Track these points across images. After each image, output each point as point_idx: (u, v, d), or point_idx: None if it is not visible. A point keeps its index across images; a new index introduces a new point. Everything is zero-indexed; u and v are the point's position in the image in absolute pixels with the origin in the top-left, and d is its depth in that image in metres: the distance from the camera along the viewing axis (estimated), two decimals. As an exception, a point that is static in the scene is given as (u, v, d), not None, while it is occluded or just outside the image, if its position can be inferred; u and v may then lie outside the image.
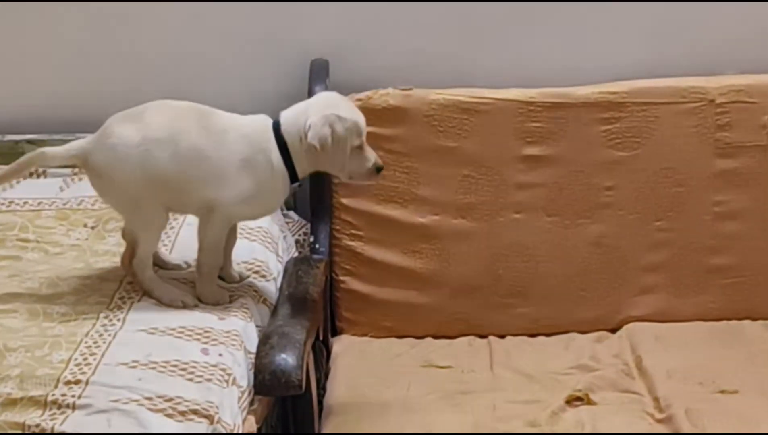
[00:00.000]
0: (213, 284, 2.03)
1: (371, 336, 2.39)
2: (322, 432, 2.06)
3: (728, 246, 2.39)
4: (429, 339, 2.38)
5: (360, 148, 1.98)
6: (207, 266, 2.02)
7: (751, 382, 2.15)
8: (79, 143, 2.00)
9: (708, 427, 2.00)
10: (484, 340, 2.37)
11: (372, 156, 1.99)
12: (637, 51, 2.49)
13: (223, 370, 1.84)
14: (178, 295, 2.00)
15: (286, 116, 1.99)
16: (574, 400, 2.12)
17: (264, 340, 1.95)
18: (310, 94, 2.35)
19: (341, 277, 2.41)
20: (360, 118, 1.97)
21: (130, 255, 2.03)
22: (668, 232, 2.40)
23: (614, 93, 2.37)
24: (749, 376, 2.17)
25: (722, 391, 2.12)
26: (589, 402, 2.11)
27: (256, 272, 2.16)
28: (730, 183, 2.39)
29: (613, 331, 2.39)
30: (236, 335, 1.94)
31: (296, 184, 2.00)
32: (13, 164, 2.02)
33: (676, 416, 2.04)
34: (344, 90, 2.36)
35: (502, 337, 2.38)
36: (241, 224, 2.20)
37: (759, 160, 2.38)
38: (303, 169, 2.00)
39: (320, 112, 1.94)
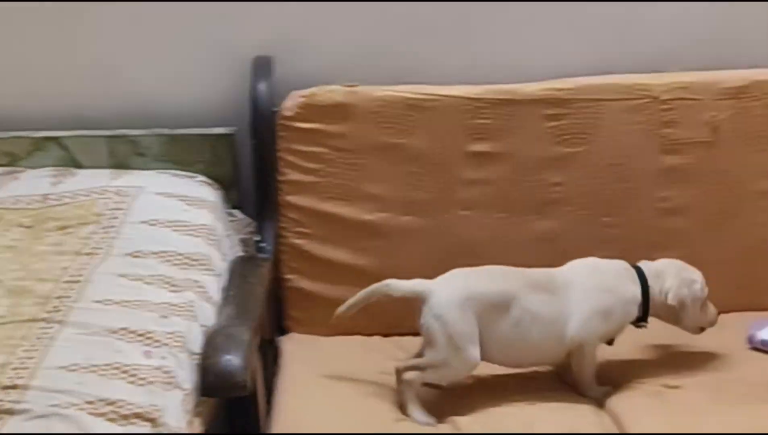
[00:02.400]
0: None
1: (319, 334, 2.37)
2: (270, 433, 2.04)
3: (674, 241, 2.39)
4: (378, 338, 2.37)
5: (704, 303, 2.19)
6: (594, 391, 2.15)
7: (693, 377, 2.16)
8: (425, 285, 2.09)
9: (650, 422, 2.00)
10: (434, 338, 2.37)
11: (712, 311, 2.21)
12: (582, 48, 2.49)
13: (167, 372, 1.81)
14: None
15: (647, 267, 2.18)
16: (525, 396, 2.12)
17: (209, 340, 1.94)
18: (253, 91, 2.35)
19: (288, 276, 2.39)
20: (702, 280, 2.19)
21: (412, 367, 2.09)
22: (615, 228, 2.40)
23: (560, 90, 2.38)
24: (691, 371, 2.19)
25: (665, 386, 2.13)
26: (540, 398, 2.11)
27: (202, 265, 2.14)
28: (676, 179, 2.40)
29: (562, 326, 2.41)
30: (180, 336, 1.91)
31: (643, 323, 2.17)
32: (360, 294, 2.11)
33: (619, 411, 2.04)
34: (288, 87, 2.37)
35: (451, 334, 2.38)
36: (184, 220, 2.20)
37: (703, 157, 2.40)
38: (655, 313, 2.17)
39: (677, 276, 2.16)
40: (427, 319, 2.06)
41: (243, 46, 2.43)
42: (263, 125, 2.36)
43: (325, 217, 2.37)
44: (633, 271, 2.17)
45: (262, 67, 2.40)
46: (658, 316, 2.17)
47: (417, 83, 2.39)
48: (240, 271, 2.25)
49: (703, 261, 2.24)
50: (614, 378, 2.14)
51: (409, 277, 2.34)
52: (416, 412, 2.06)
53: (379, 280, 2.36)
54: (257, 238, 2.38)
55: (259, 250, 2.37)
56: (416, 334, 2.35)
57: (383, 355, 2.29)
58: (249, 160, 2.40)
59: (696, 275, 2.18)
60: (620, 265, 2.18)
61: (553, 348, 2.12)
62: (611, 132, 2.38)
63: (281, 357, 2.29)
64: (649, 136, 2.39)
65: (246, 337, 1.95)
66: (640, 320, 2.16)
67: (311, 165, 2.36)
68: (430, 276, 2.36)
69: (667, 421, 1.99)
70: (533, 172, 2.39)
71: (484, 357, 2.07)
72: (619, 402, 2.06)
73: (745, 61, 2.48)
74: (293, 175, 2.36)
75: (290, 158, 2.36)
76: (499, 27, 2.48)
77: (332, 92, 2.35)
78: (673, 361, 2.20)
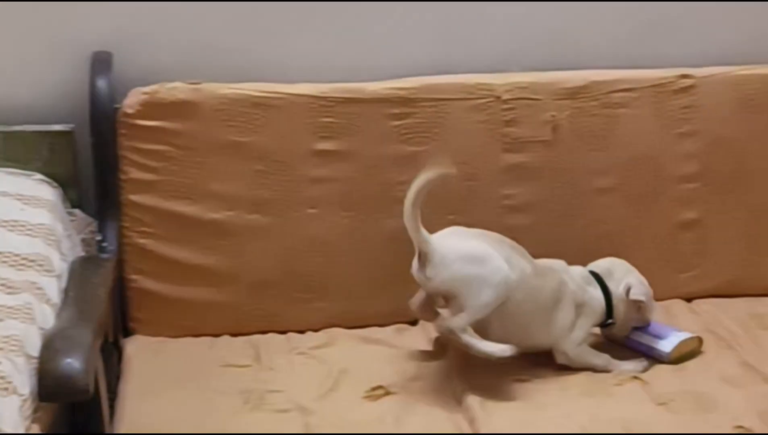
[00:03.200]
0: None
1: (166, 336, 2.34)
2: (113, 435, 2.00)
3: (517, 238, 2.38)
4: (227, 337, 2.35)
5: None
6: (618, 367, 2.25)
7: (542, 371, 2.22)
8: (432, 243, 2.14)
9: (501, 413, 2.05)
10: (283, 336, 2.36)
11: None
12: (426, 48, 2.52)
13: (2, 377, 1.75)
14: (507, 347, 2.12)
15: (598, 267, 2.32)
16: (374, 392, 2.13)
17: (47, 343, 1.88)
18: (92, 87, 2.29)
19: (132, 276, 2.35)
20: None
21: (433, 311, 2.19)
22: (461, 226, 2.44)
23: (405, 89, 2.40)
24: (541, 364, 2.24)
25: (517, 380, 2.18)
26: (388, 393, 2.13)
27: (40, 266, 2.07)
28: (518, 177, 2.45)
29: (412, 323, 2.43)
30: (16, 340, 1.84)
31: (610, 321, 2.29)
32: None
33: (472, 405, 2.08)
34: (129, 83, 2.33)
35: (302, 332, 2.38)
36: (20, 220, 2.14)
37: (544, 155, 2.46)
38: (617, 314, 2.29)
39: (629, 274, 2.30)
40: (442, 277, 2.12)
41: (81, 40, 2.37)
42: (104, 122, 2.30)
43: (169, 216, 2.34)
44: (589, 276, 2.29)
45: (101, 62, 2.34)
46: (623, 314, 2.28)
47: (262, 81, 2.38)
48: (81, 271, 2.19)
49: (547, 258, 2.30)
50: (469, 373, 2.18)
51: (257, 276, 2.38)
52: (490, 345, 2.11)
53: (227, 280, 2.37)
54: (99, 237, 2.33)
55: (101, 250, 2.32)
56: (266, 331, 2.36)
57: (231, 352, 2.28)
58: (89, 158, 2.34)
59: (640, 275, 2.30)
60: (581, 271, 2.30)
61: (540, 331, 2.21)
62: (455, 131, 2.42)
63: (125, 360, 2.25)
64: (492, 135, 2.44)
65: (87, 339, 1.90)
66: (607, 320, 2.29)
67: (154, 163, 2.32)
68: (279, 274, 2.38)
69: (514, 416, 2.04)
70: (379, 170, 2.40)
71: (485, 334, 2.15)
72: (472, 398, 2.09)
73: (583, 61, 2.55)
74: (135, 174, 2.32)
75: (132, 156, 2.32)
76: (344, 25, 2.49)
77: (175, 89, 2.32)
78: (525, 356, 2.23)
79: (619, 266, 2.32)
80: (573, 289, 2.25)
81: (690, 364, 2.26)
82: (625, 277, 2.29)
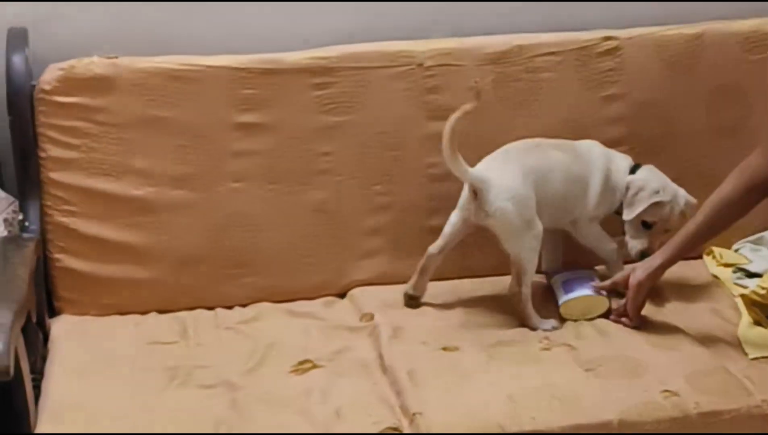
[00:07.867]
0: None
1: (92, 315, 2.31)
2: (40, 418, 1.96)
3: (444, 207, 2.40)
4: (153, 314, 2.33)
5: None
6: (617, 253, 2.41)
7: (470, 338, 2.22)
8: (482, 175, 2.26)
9: (428, 383, 2.05)
10: (212, 312, 2.34)
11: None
12: (346, 16, 2.49)
13: None
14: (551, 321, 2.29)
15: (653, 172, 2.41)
16: (302, 365, 2.12)
17: (-35, 325, 1.85)
18: (8, 64, 2.25)
19: (56, 255, 2.31)
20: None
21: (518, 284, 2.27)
22: (386, 196, 2.43)
23: (325, 58, 2.38)
24: (468, 332, 2.25)
25: (444, 349, 2.18)
26: (315, 366, 2.12)
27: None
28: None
29: (341, 295, 2.42)
30: (-66, 322, 1.81)
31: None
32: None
33: (399, 376, 2.07)
34: (46, 59, 2.28)
35: (230, 307, 2.36)
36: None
37: (468, 122, 2.42)
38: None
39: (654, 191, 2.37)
40: (498, 204, 2.24)
41: (-5, 17, 2.33)
42: (21, 100, 2.26)
43: (91, 194, 2.30)
44: (630, 164, 2.40)
45: (16, 38, 2.29)
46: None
47: (180, 53, 2.34)
48: (2, 252, 2.15)
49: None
50: (396, 344, 2.18)
51: (182, 252, 2.35)
52: (540, 320, 2.27)
53: (152, 257, 2.34)
54: (21, 217, 2.29)
55: (24, 229, 2.28)
56: (193, 308, 2.34)
57: (158, 330, 2.26)
58: (8, 136, 2.29)
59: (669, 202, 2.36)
60: (625, 158, 2.42)
61: (575, 207, 2.36)
62: (377, 100, 2.40)
63: (51, 340, 2.22)
64: (415, 103, 2.42)
65: (7, 320, 1.86)
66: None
67: (74, 140, 2.29)
68: (205, 250, 2.36)
69: (441, 386, 2.04)
70: (302, 142, 2.39)
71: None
72: (399, 369, 2.09)
73: (506, 25, 2.53)
74: (55, 152, 2.28)
75: (51, 134, 2.28)
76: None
77: (92, 64, 2.28)
78: (454, 323, 2.26)
79: (669, 186, 2.38)
80: (606, 166, 2.37)
81: (618, 328, 2.26)
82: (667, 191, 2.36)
